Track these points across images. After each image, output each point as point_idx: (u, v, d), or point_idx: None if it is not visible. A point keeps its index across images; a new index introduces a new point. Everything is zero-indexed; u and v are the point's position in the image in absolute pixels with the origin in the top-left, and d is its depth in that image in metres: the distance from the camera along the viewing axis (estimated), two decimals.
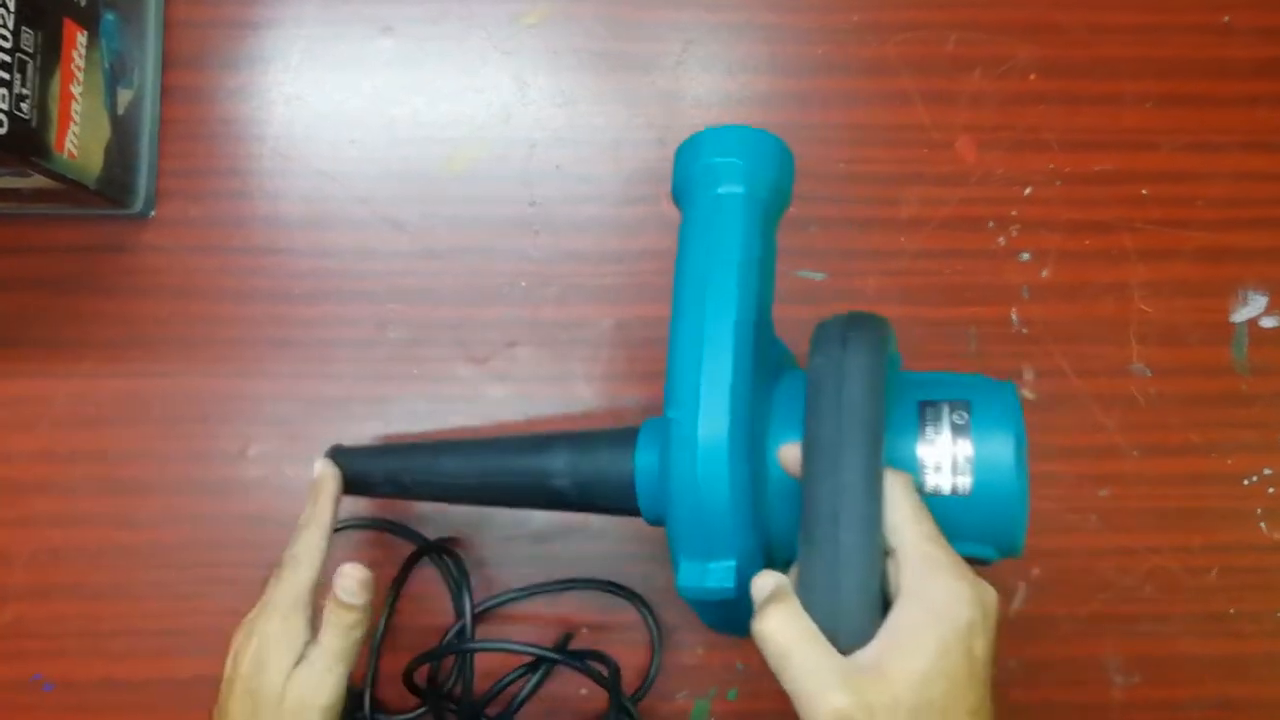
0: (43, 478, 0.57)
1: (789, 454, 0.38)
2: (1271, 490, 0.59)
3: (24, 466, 0.57)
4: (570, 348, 0.58)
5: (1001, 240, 0.60)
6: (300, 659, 0.43)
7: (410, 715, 0.54)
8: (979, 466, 0.38)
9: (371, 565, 0.55)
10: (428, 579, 0.57)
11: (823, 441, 0.35)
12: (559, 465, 0.45)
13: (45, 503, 0.57)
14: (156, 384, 0.58)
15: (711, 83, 0.61)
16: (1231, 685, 0.58)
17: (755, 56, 0.61)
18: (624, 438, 0.44)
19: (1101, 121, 0.61)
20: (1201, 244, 0.61)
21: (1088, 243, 0.60)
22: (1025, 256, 0.60)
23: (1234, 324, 0.60)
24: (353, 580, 0.44)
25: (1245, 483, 0.59)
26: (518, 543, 0.57)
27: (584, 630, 0.57)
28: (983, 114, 0.61)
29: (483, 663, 0.55)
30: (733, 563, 0.38)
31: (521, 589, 0.56)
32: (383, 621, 0.55)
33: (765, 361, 0.41)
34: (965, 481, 0.38)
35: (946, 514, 0.36)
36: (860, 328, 0.37)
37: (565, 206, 0.59)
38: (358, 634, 0.44)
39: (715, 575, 0.38)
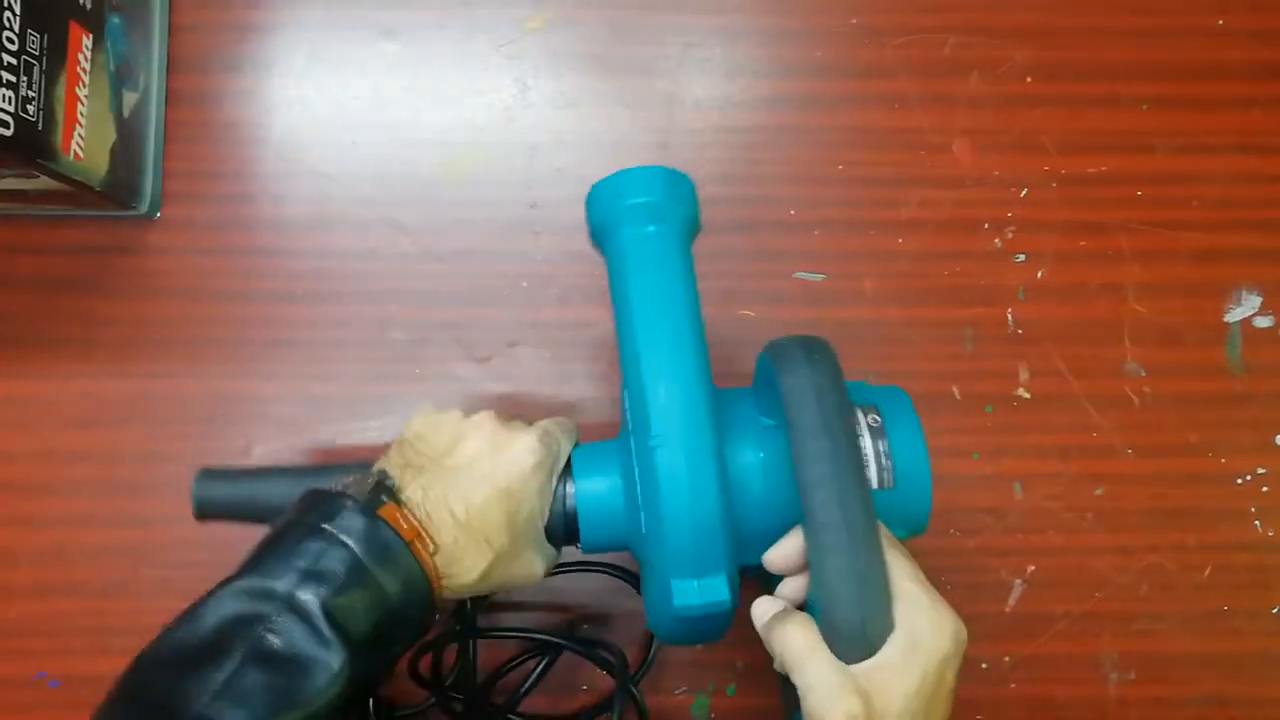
0: (47, 478, 0.57)
1: (780, 555, 0.41)
2: (1266, 489, 0.60)
3: (28, 466, 0.57)
4: (571, 348, 0.59)
5: (998, 242, 0.61)
6: None
7: (416, 708, 0.55)
8: (898, 462, 0.43)
9: None
10: None
11: (831, 510, 0.38)
12: None
13: (49, 502, 0.57)
14: (160, 384, 0.58)
15: (711, 86, 0.61)
16: (1226, 683, 0.59)
17: (755, 59, 0.62)
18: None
19: (1097, 124, 0.62)
20: (1196, 245, 0.61)
21: (1083, 244, 0.61)
22: (1021, 258, 0.61)
23: (1228, 324, 0.61)
24: None
25: (1239, 481, 0.60)
26: None
27: (585, 626, 0.58)
28: (980, 117, 0.61)
29: (484, 656, 0.56)
30: (723, 576, 0.40)
31: None
32: None
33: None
34: (889, 476, 0.43)
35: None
36: (823, 371, 0.40)
37: (566, 208, 0.59)
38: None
39: (711, 590, 0.40)
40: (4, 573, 0.57)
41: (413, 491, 0.43)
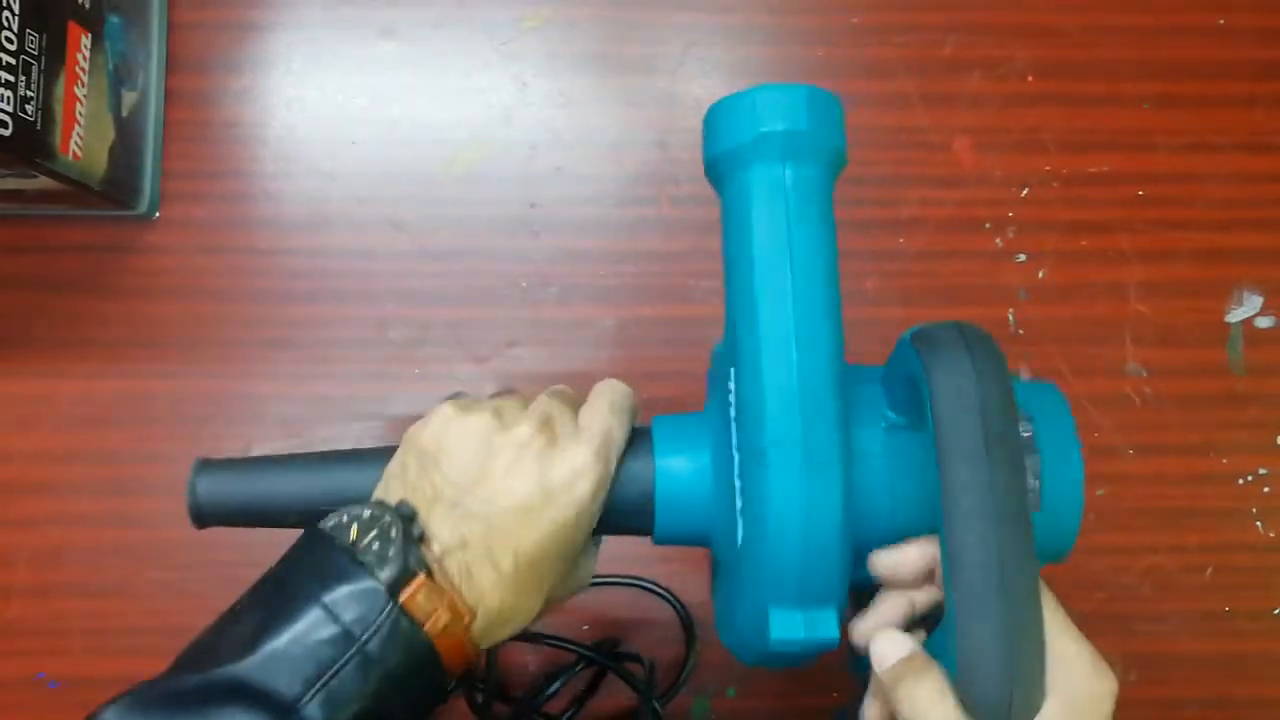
0: (45, 478, 0.57)
1: (893, 562, 0.35)
2: (1267, 489, 0.60)
3: (26, 466, 0.57)
4: (571, 348, 0.59)
5: (999, 241, 0.60)
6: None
7: None
8: (1046, 481, 0.36)
9: None
10: None
11: (986, 557, 0.31)
12: None
13: (47, 502, 0.57)
14: (159, 384, 0.58)
15: (711, 85, 0.61)
16: (1228, 684, 0.59)
17: (755, 58, 0.62)
18: (629, 447, 0.39)
19: (1099, 123, 0.61)
20: (1198, 245, 0.61)
21: (1084, 244, 0.61)
22: (1022, 258, 0.60)
23: (1230, 324, 0.61)
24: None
25: (1241, 482, 0.60)
26: None
27: (584, 627, 0.57)
28: (981, 116, 0.61)
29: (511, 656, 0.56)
30: (834, 608, 0.34)
31: None
32: None
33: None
34: (1035, 499, 0.36)
35: None
36: (990, 377, 0.33)
37: (566, 207, 0.60)
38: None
39: (818, 625, 0.34)
40: (2, 573, 0.57)
41: (447, 538, 0.35)
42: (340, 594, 0.33)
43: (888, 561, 0.35)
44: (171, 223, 0.59)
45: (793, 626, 0.34)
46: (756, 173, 0.35)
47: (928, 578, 0.35)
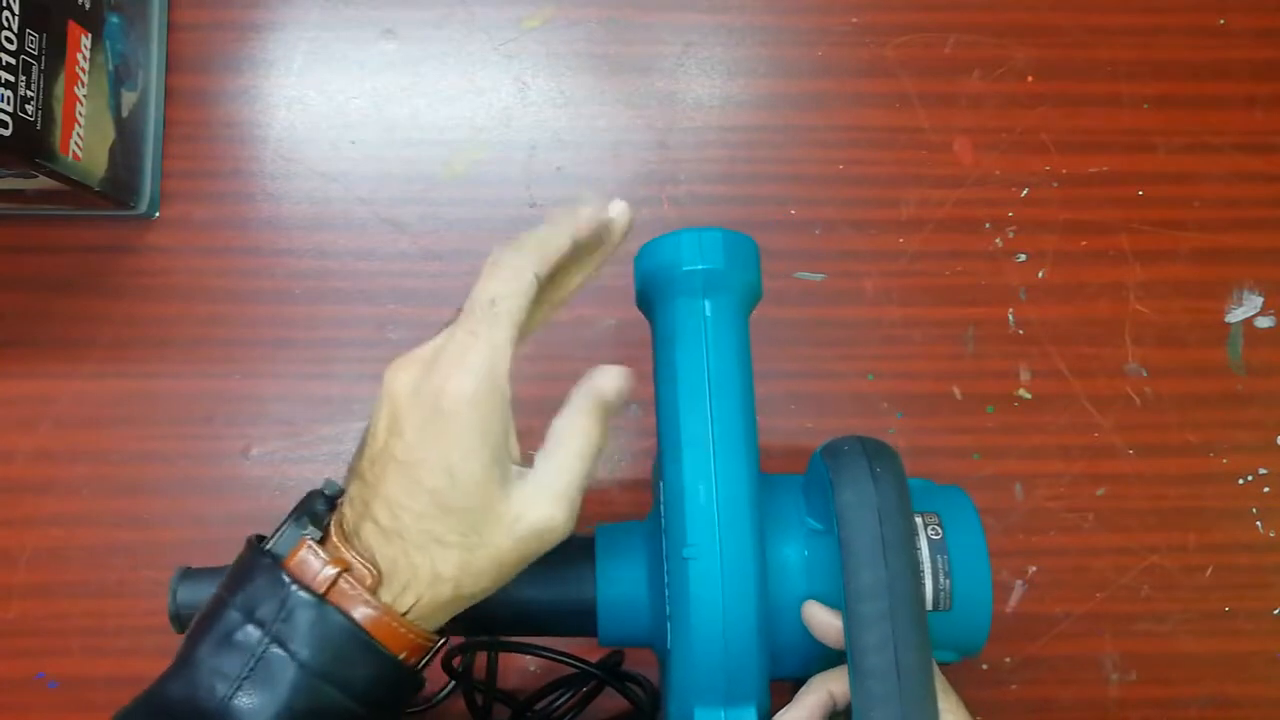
0: (45, 477, 0.57)
1: (819, 617, 0.38)
2: (1267, 489, 0.60)
3: (26, 466, 0.57)
4: (571, 348, 0.59)
5: (999, 241, 0.60)
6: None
7: (427, 704, 0.55)
8: (957, 580, 0.39)
9: None
10: None
11: (884, 658, 0.34)
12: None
13: (47, 502, 0.57)
14: (159, 384, 0.58)
15: (711, 85, 0.61)
16: (1228, 683, 0.59)
17: (755, 58, 0.62)
18: (573, 556, 0.40)
19: (1098, 123, 0.62)
20: (1197, 245, 0.61)
21: (1084, 244, 0.61)
22: (1022, 258, 0.60)
23: (1229, 324, 0.61)
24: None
25: (1241, 482, 0.60)
26: None
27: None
28: (981, 116, 0.61)
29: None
30: (753, 707, 0.37)
31: None
32: None
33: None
34: (946, 597, 0.39)
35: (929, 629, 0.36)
36: (887, 489, 0.36)
37: None
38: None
39: None
40: (2, 573, 0.57)
41: (346, 508, 0.35)
42: (250, 591, 0.33)
43: (820, 618, 0.37)
44: (171, 223, 0.59)
45: None
46: (679, 305, 0.39)
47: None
